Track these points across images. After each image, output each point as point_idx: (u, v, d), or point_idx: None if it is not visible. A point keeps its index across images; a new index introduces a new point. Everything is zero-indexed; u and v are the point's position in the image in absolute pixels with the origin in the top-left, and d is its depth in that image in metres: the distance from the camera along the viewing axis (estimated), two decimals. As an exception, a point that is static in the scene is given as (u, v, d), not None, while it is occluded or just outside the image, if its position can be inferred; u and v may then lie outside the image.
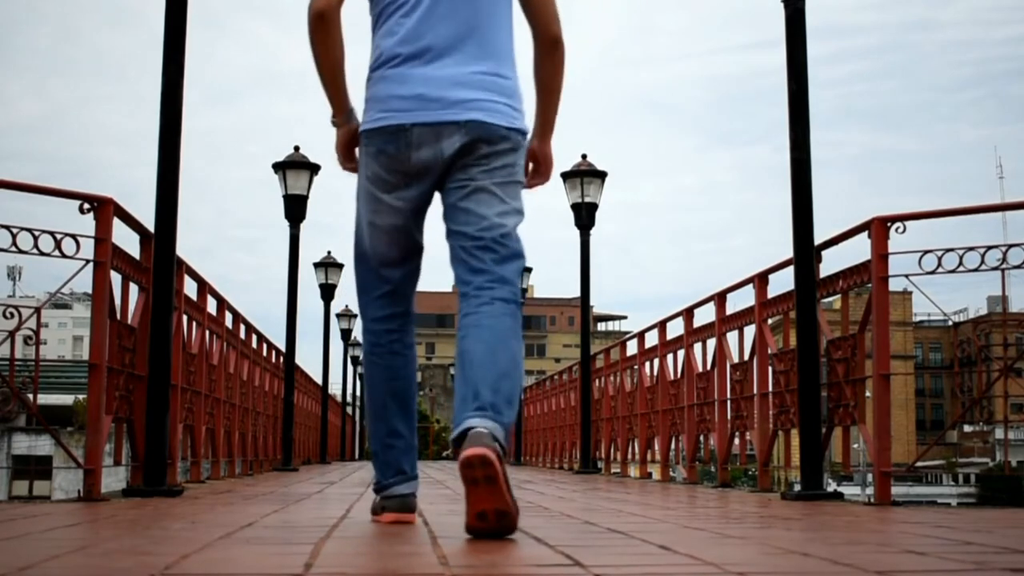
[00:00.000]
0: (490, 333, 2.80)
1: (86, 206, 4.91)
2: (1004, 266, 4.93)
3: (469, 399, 2.71)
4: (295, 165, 11.68)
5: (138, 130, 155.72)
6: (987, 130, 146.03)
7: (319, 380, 18.56)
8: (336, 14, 2.96)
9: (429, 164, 2.90)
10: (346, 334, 26.68)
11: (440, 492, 5.51)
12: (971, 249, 4.97)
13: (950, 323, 6.34)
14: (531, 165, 3.14)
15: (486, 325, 2.80)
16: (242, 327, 9.69)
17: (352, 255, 3.13)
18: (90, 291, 5.00)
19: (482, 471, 2.52)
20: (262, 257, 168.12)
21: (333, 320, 22.39)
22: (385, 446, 3.08)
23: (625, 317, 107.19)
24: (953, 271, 5.02)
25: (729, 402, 7.52)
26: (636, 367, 10.58)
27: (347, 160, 3.12)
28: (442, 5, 2.92)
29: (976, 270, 4.95)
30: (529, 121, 3.06)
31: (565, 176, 11.57)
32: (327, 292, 18.57)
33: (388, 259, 3.06)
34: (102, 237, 4.91)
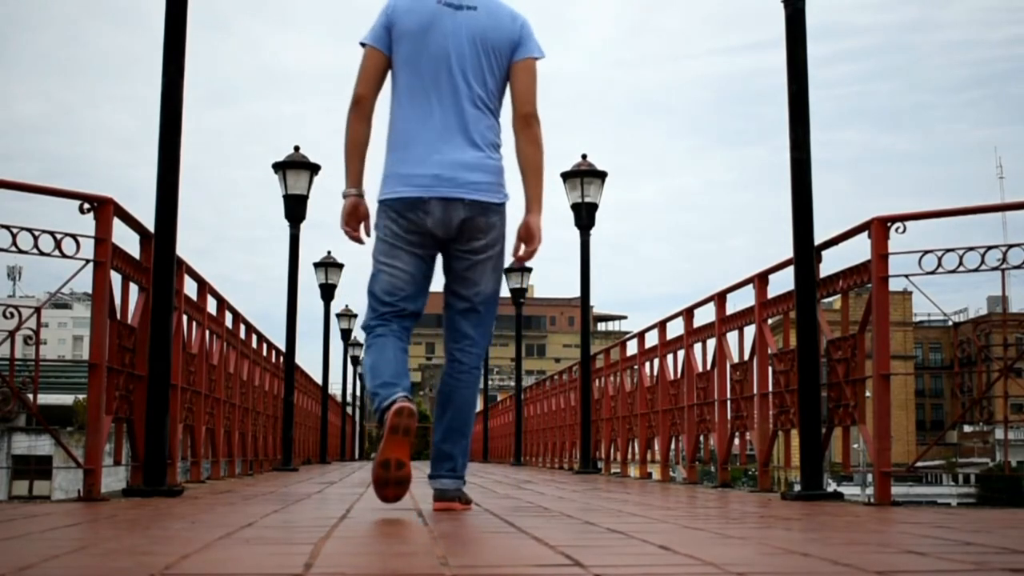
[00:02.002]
0: (468, 400, 3.82)
1: (86, 206, 4.91)
2: (1004, 266, 4.93)
3: (446, 460, 3.80)
4: (295, 165, 11.68)
5: (138, 130, 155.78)
6: (987, 130, 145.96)
7: (319, 380, 18.56)
8: (373, 101, 3.79)
9: (439, 228, 3.69)
10: (346, 334, 26.66)
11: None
12: (971, 249, 4.97)
13: (950, 323, 6.34)
14: (520, 239, 3.83)
15: (464, 392, 3.82)
16: (242, 327, 9.69)
17: (367, 291, 3.82)
18: (90, 291, 5.00)
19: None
20: (262, 257, 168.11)
21: (333, 320, 22.41)
22: (387, 365, 3.68)
23: (625, 317, 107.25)
24: (953, 271, 5.02)
25: (729, 402, 7.52)
26: (636, 367, 10.58)
27: (349, 225, 3.79)
28: (451, 105, 3.68)
29: (976, 270, 4.95)
30: (511, 190, 3.81)
31: (565, 176, 11.56)
32: (327, 292, 18.56)
33: (405, 294, 3.79)
34: (102, 237, 4.91)
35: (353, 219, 3.79)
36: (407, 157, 3.68)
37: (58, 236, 4.74)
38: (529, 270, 18.60)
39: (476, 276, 3.80)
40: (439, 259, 3.85)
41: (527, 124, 3.76)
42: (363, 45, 3.79)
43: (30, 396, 4.82)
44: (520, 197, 3.89)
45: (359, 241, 3.81)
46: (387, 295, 3.76)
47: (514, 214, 3.89)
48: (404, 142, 3.70)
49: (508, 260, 3.89)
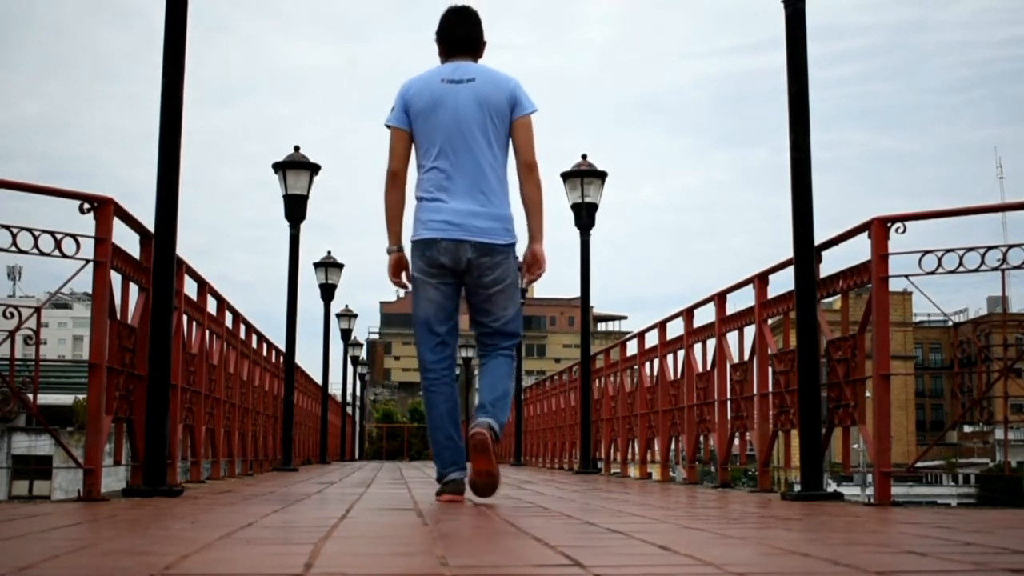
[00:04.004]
0: (496, 374, 4.56)
1: (86, 206, 4.91)
2: (1004, 266, 4.93)
3: (480, 409, 4.44)
4: (295, 165, 11.67)
5: (138, 130, 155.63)
6: (987, 131, 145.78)
7: (319, 380, 18.56)
8: (405, 173, 4.56)
9: (451, 264, 4.42)
10: (346, 334, 26.61)
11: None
12: (971, 249, 4.96)
13: (950, 323, 6.33)
14: (526, 265, 4.61)
15: (493, 369, 4.57)
16: (242, 327, 9.69)
17: (413, 323, 4.61)
18: (90, 291, 5.00)
19: (480, 441, 4.26)
20: (262, 257, 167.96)
21: (333, 320, 22.37)
22: (444, 447, 4.49)
23: (625, 317, 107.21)
24: (953, 271, 5.02)
25: (729, 402, 7.52)
26: (636, 367, 10.58)
27: (395, 276, 4.61)
28: (463, 163, 4.41)
29: (976, 270, 4.95)
30: (521, 233, 4.58)
31: (565, 176, 11.55)
32: (327, 292, 18.53)
33: (437, 320, 4.52)
34: (102, 237, 4.91)
35: (398, 270, 4.59)
36: (427, 207, 4.45)
37: (58, 236, 4.74)
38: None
39: (492, 307, 4.55)
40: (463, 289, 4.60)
41: (529, 171, 4.53)
42: (388, 127, 4.55)
43: (30, 396, 4.83)
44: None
45: (404, 287, 4.64)
46: (424, 322, 4.53)
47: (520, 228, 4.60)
48: (424, 197, 4.47)
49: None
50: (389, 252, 4.59)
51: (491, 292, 4.49)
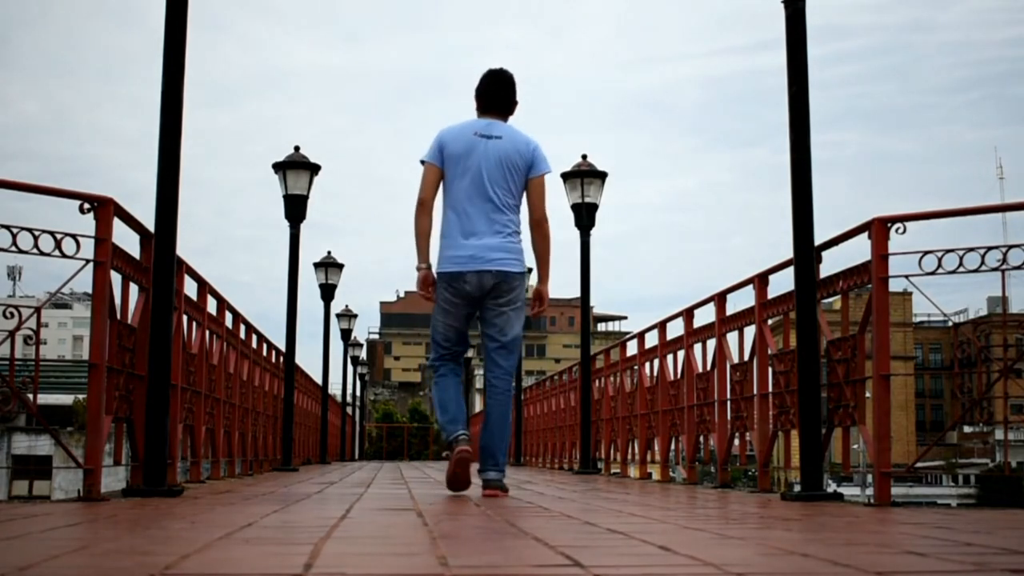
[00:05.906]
0: (503, 414, 5.28)
1: (86, 206, 4.91)
2: (1004, 267, 4.92)
3: (490, 458, 5.24)
4: (295, 165, 11.67)
5: (138, 130, 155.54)
6: (986, 131, 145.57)
7: (319, 380, 18.56)
8: (433, 202, 5.25)
9: (475, 292, 5.19)
10: (346, 334, 26.61)
11: (440, 492, 5.52)
12: (971, 250, 4.96)
13: (950, 324, 6.33)
14: (534, 299, 5.41)
15: (500, 409, 5.28)
16: (242, 327, 9.69)
17: (431, 338, 5.44)
18: (90, 291, 5.00)
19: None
20: (262, 257, 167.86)
21: (333, 320, 22.36)
22: (459, 409, 5.22)
23: (625, 317, 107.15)
24: (953, 272, 5.01)
25: (729, 403, 7.52)
26: (636, 367, 10.58)
27: (423, 290, 5.29)
28: (482, 206, 5.13)
29: (976, 271, 4.95)
30: (530, 263, 5.38)
31: (565, 176, 11.54)
32: (327, 292, 18.53)
33: (455, 339, 5.35)
34: (102, 237, 4.91)
35: (426, 284, 5.26)
36: (452, 244, 5.17)
37: (58, 236, 4.73)
38: (529, 270, 18.58)
39: (503, 323, 5.27)
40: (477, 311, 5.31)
41: (538, 226, 5.31)
42: (423, 162, 5.24)
43: (30, 396, 4.83)
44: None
45: (431, 299, 5.29)
46: (445, 341, 5.34)
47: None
48: (450, 233, 5.18)
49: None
50: (419, 269, 5.27)
51: (504, 311, 5.24)
